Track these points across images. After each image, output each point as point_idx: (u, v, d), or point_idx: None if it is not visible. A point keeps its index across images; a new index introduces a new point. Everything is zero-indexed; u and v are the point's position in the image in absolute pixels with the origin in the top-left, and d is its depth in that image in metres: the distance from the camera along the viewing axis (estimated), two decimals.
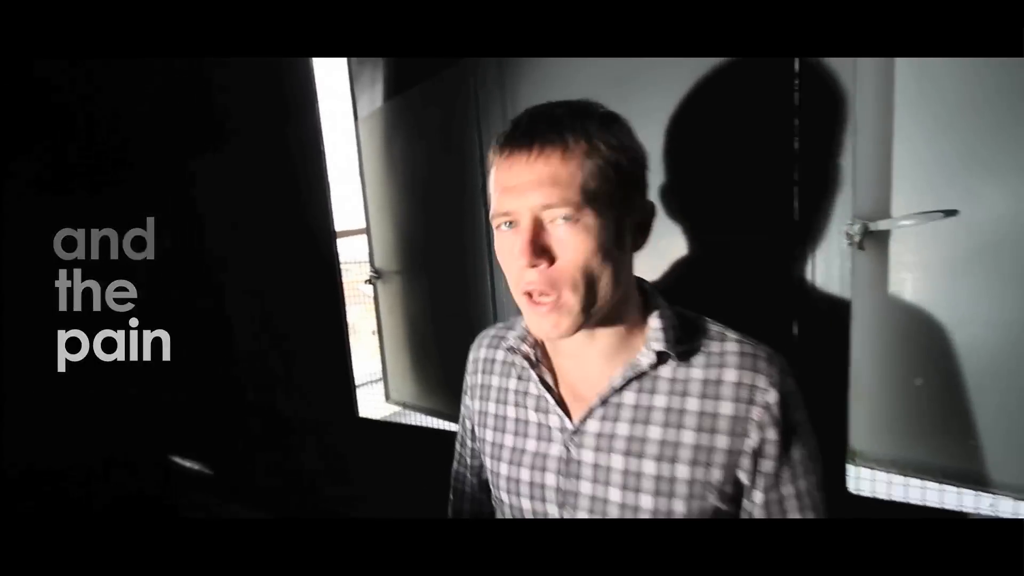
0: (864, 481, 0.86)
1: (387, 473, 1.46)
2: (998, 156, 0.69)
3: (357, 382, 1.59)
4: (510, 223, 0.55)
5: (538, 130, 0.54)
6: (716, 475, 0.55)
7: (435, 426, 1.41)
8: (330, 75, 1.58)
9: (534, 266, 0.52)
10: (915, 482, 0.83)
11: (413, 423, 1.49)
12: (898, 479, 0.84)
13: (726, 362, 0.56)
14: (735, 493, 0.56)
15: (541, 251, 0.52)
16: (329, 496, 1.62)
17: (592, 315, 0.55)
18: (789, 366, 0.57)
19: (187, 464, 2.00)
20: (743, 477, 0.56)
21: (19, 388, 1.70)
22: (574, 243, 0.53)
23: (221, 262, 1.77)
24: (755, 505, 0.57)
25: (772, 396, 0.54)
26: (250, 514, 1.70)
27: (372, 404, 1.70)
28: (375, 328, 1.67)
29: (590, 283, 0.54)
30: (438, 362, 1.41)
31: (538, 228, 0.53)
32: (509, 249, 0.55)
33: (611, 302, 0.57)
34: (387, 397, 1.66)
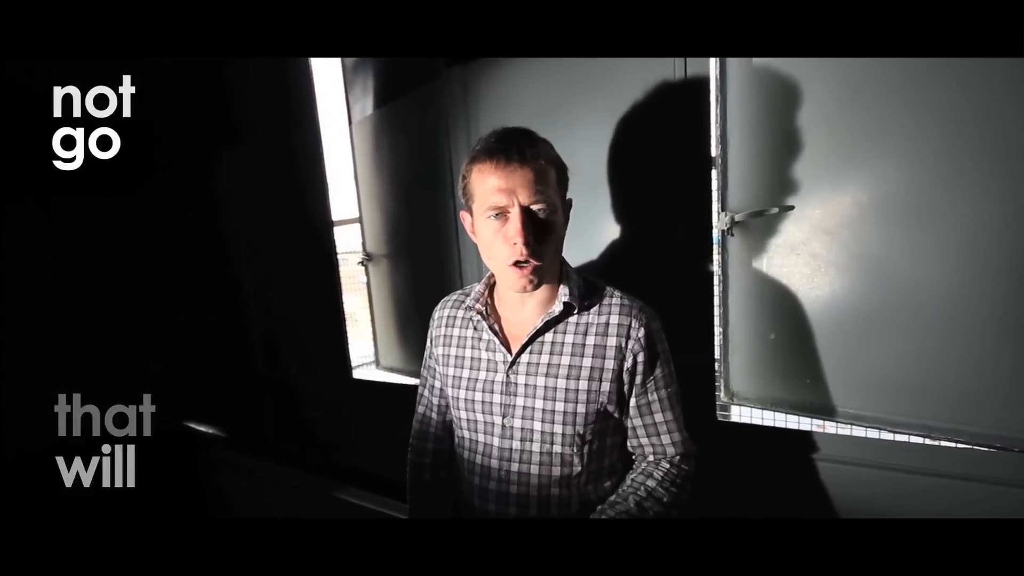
0: (744, 415, 1.07)
1: (375, 423, 1.61)
2: (829, 162, 0.89)
3: (353, 363, 1.69)
4: (498, 214, 0.71)
5: (516, 148, 0.70)
6: (605, 387, 0.74)
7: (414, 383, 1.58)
8: (328, 86, 1.68)
9: (528, 243, 0.69)
10: (779, 415, 1.02)
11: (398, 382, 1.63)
12: (768, 413, 1.03)
13: (612, 311, 0.76)
14: (619, 399, 0.76)
15: (531, 233, 0.70)
16: (327, 444, 1.79)
17: (547, 273, 0.75)
18: (655, 314, 0.77)
19: (207, 426, 2.21)
20: (624, 387, 0.76)
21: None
22: (551, 228, 0.72)
23: (237, 247, 1.93)
24: (632, 407, 0.77)
25: (641, 332, 0.74)
26: (261, 465, 1.90)
27: (366, 372, 1.83)
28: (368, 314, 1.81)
29: (555, 253, 0.75)
30: (419, 332, 1.60)
31: (527, 217, 0.70)
32: (496, 231, 0.72)
33: (555, 265, 0.77)
34: (377, 364, 1.81)
